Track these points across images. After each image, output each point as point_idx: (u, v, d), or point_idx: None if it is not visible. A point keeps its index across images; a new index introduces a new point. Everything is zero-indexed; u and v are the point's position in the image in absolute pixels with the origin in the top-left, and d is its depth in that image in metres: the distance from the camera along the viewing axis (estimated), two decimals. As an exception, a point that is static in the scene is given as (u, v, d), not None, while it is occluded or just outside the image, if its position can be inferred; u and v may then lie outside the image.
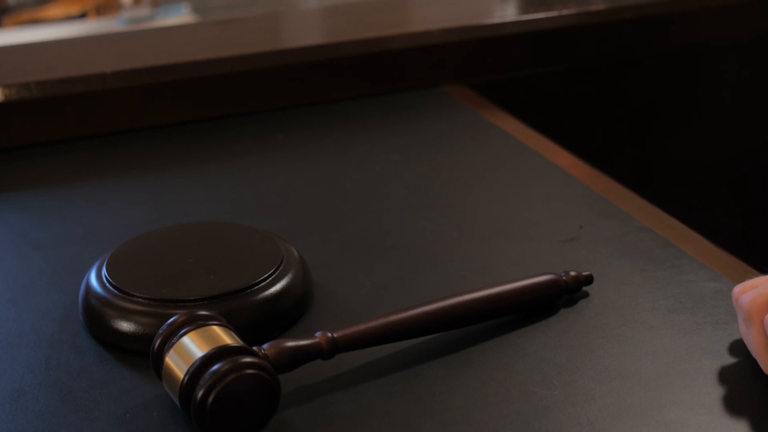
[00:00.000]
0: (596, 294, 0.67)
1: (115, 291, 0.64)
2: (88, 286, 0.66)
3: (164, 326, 0.57)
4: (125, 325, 0.62)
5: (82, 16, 3.14)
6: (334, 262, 0.74)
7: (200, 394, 0.52)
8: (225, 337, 0.55)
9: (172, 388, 0.55)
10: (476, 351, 0.62)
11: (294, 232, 0.76)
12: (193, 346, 0.55)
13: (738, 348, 0.61)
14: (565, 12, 1.16)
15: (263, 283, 0.65)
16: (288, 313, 0.65)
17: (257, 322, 0.63)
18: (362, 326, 0.59)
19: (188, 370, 0.53)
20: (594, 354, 0.61)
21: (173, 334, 0.56)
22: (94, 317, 0.64)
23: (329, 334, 0.58)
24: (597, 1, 1.20)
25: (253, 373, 0.53)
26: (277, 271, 0.66)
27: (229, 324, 0.58)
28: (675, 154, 1.28)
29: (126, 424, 0.56)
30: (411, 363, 0.61)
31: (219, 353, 0.53)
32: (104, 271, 0.66)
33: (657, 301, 0.66)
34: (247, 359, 0.53)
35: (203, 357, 0.53)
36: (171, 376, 0.55)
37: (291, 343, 0.57)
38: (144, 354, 0.60)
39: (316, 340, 0.58)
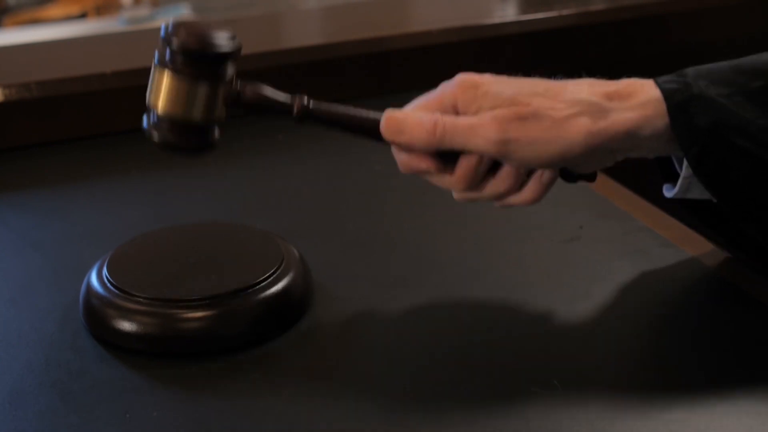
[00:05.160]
0: (596, 294, 0.67)
1: (116, 291, 0.64)
2: (89, 286, 0.66)
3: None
4: (126, 325, 0.62)
5: (82, 16, 3.14)
6: (334, 262, 0.73)
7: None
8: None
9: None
10: (476, 352, 0.62)
11: (294, 232, 0.76)
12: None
13: (739, 348, 0.61)
14: (565, 12, 1.16)
15: (263, 283, 0.65)
16: (288, 313, 0.65)
17: (257, 322, 0.63)
18: (340, 107, 0.60)
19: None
20: (593, 354, 0.61)
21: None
22: (95, 317, 0.64)
23: (305, 100, 0.60)
24: (597, 1, 1.20)
25: None
26: (277, 271, 0.66)
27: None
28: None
29: (126, 424, 0.56)
30: (412, 363, 0.61)
31: None
32: (105, 271, 0.66)
33: (657, 300, 0.66)
34: None
35: None
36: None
37: (269, 91, 0.59)
38: (144, 354, 0.60)
39: (294, 99, 0.59)
